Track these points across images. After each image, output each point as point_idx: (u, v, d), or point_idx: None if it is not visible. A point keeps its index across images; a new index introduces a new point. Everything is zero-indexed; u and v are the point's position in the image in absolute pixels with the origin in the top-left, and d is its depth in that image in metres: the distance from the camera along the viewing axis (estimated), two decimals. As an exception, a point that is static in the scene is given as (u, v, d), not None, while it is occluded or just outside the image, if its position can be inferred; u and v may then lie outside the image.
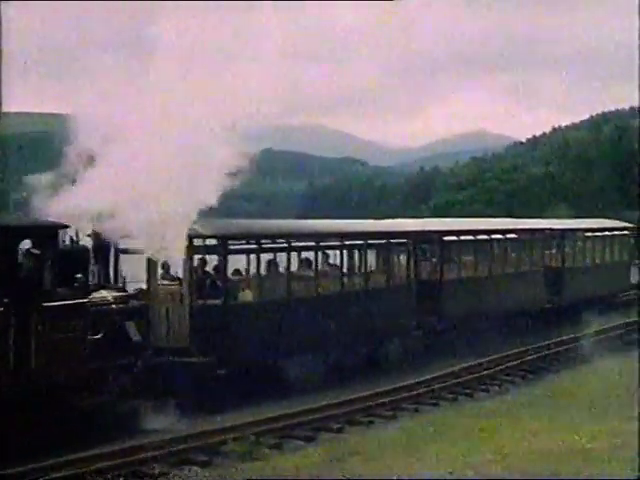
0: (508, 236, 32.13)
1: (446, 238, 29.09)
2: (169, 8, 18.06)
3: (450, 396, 21.85)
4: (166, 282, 20.81)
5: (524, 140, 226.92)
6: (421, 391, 21.70)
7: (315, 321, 22.92)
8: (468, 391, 22.55)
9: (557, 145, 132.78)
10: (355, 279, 25.53)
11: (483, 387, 23.22)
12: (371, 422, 18.87)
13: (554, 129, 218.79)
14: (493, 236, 31.16)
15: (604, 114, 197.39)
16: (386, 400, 20.46)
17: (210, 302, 20.36)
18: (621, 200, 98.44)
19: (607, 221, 44.27)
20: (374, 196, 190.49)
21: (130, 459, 14.90)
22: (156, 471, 14.72)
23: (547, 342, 29.02)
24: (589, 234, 38.04)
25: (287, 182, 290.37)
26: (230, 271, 21.71)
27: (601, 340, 29.75)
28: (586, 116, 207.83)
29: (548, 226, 35.65)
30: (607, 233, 39.61)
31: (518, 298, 32.00)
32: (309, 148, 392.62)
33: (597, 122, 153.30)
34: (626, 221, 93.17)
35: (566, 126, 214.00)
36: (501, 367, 25.24)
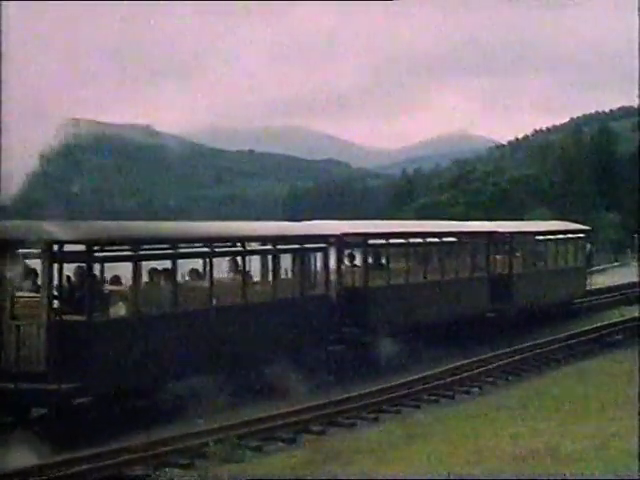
0: (447, 240, 29.14)
1: (372, 241, 25.95)
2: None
3: (348, 422, 18.46)
4: (27, 294, 17.46)
5: (505, 142, 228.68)
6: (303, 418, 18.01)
7: (206, 338, 19.67)
8: (370, 415, 19.12)
9: (538, 147, 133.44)
10: (262, 288, 22.05)
11: (384, 410, 19.30)
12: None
13: (535, 131, 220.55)
14: (429, 240, 28.35)
15: (585, 117, 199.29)
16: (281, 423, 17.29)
17: (72, 318, 17.10)
18: (602, 202, 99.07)
19: (561, 223, 41.81)
20: (356, 198, 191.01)
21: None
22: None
23: (474, 359, 24.46)
24: (540, 237, 35.07)
25: (269, 184, 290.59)
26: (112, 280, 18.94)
27: (541, 354, 26.08)
28: (567, 119, 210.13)
29: (494, 229, 32.67)
30: (561, 236, 36.47)
31: (457, 307, 28.90)
32: (291, 150, 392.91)
33: (578, 124, 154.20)
34: (607, 223, 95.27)
35: (547, 128, 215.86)
36: (409, 390, 20.83)
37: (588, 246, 38.85)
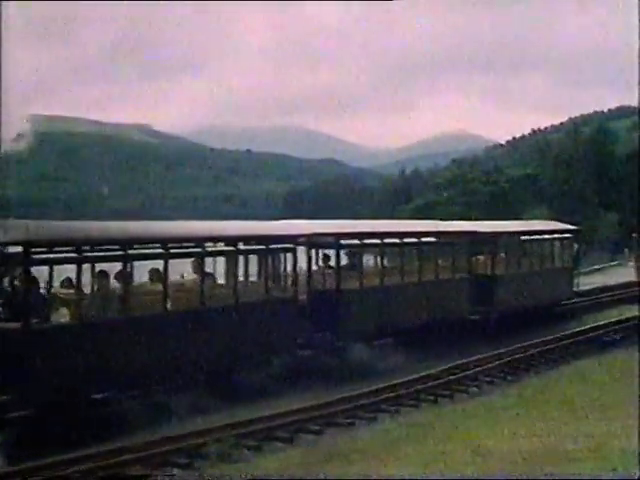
0: (425, 240, 27.88)
1: (345, 242, 24.79)
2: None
3: (346, 422, 18.09)
4: None
5: (504, 142, 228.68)
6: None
7: (160, 345, 18.46)
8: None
9: (537, 147, 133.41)
10: (224, 292, 20.75)
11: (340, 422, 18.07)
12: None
13: (534, 131, 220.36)
14: (406, 240, 27.04)
15: (583, 116, 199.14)
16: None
17: (6, 325, 15.96)
18: (600, 201, 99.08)
19: (547, 223, 40.69)
20: (354, 198, 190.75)
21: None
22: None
23: (450, 365, 23.13)
24: (525, 237, 33.70)
25: (267, 183, 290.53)
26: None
27: (523, 359, 25.05)
28: (565, 118, 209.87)
29: (476, 229, 31.29)
30: (547, 236, 35.20)
31: (437, 310, 27.78)
32: (289, 149, 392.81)
33: (576, 124, 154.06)
34: (606, 223, 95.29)
35: (545, 128, 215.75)
36: (380, 397, 19.64)
37: (575, 246, 37.44)
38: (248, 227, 24.07)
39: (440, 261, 28.88)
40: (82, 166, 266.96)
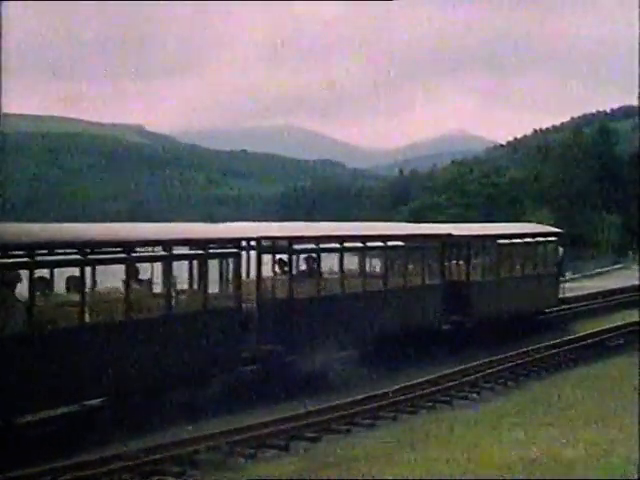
0: (392, 244, 26.18)
1: (299, 246, 23.25)
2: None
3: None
4: None
5: (504, 142, 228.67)
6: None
7: (77, 362, 16.90)
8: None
9: (538, 148, 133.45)
10: (154, 301, 19.17)
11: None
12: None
13: (535, 131, 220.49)
14: (370, 244, 25.35)
15: (586, 116, 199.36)
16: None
17: None
18: (603, 203, 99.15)
19: (529, 225, 39.64)
20: (351, 199, 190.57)
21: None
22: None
23: (406, 384, 21.50)
24: (503, 241, 31.77)
25: (262, 184, 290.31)
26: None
27: (495, 373, 23.62)
28: (567, 118, 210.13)
29: (449, 232, 29.37)
30: (528, 240, 33.47)
31: (405, 319, 26.15)
32: (285, 150, 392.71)
33: (578, 124, 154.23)
34: (609, 225, 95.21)
35: (547, 128, 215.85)
36: (327, 417, 18.59)
37: (561, 250, 35.74)
38: (186, 230, 22.08)
39: (410, 266, 27.34)
40: (70, 167, 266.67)
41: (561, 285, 35.24)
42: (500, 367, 24.07)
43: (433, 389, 21.39)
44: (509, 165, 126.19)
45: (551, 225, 61.65)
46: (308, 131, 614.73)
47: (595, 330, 30.79)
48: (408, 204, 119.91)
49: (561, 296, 35.54)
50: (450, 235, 29.07)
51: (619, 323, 32.35)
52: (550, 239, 35.27)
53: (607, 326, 31.62)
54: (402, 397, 20.38)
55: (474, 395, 21.74)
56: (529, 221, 57.62)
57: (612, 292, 43.44)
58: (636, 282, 43.60)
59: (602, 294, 42.88)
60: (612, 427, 17.03)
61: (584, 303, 39.78)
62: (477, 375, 23.10)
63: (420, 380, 21.76)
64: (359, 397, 20.03)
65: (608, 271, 63.25)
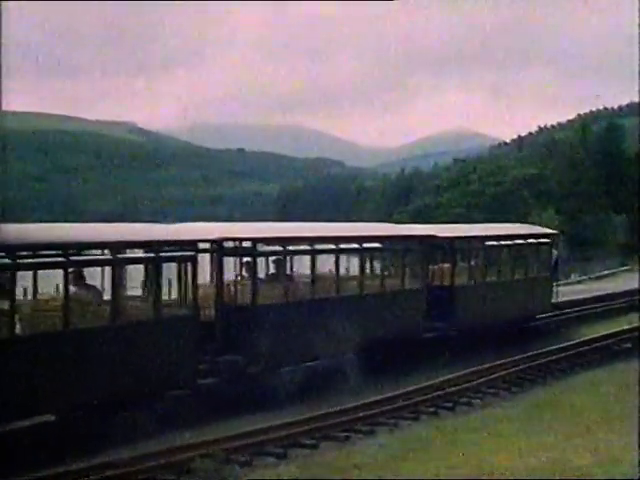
0: (368, 246, 25.00)
1: (264, 248, 22.06)
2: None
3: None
4: None
5: (509, 140, 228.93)
6: None
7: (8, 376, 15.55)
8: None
9: (543, 146, 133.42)
10: (96, 310, 17.98)
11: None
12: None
13: (540, 129, 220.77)
14: (343, 246, 23.96)
15: (592, 113, 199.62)
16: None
17: None
18: (610, 203, 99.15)
19: (521, 226, 38.04)
20: (351, 199, 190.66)
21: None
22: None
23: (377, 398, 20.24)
24: (491, 243, 30.59)
25: (260, 183, 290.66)
26: None
27: (477, 385, 22.40)
28: (574, 115, 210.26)
29: (432, 233, 28.15)
30: (519, 242, 32.12)
31: (380, 326, 24.73)
32: (284, 148, 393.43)
33: (585, 121, 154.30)
34: (616, 225, 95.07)
35: (552, 126, 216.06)
36: (291, 432, 17.58)
37: (555, 253, 34.56)
38: (137, 231, 20.45)
39: (390, 270, 26.38)
40: (62, 165, 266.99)
41: (555, 289, 33.99)
42: (481, 380, 22.69)
43: (406, 403, 20.28)
44: (513, 164, 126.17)
45: (557, 225, 61.31)
46: (307, 129, 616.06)
47: (590, 337, 29.66)
48: (408, 204, 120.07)
49: (556, 300, 34.29)
50: (433, 236, 27.93)
51: (617, 329, 30.99)
52: (543, 241, 34.13)
53: (603, 332, 30.44)
54: (378, 410, 19.48)
55: (446, 412, 20.37)
56: (532, 223, 57.21)
57: (612, 296, 42.08)
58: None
59: (602, 298, 41.47)
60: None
61: (580, 308, 38.25)
62: (457, 388, 21.81)
63: (396, 393, 20.64)
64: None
65: (615, 273, 63.18)
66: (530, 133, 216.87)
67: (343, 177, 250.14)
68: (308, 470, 15.48)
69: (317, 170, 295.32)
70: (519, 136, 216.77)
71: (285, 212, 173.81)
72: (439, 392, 21.45)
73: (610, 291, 43.95)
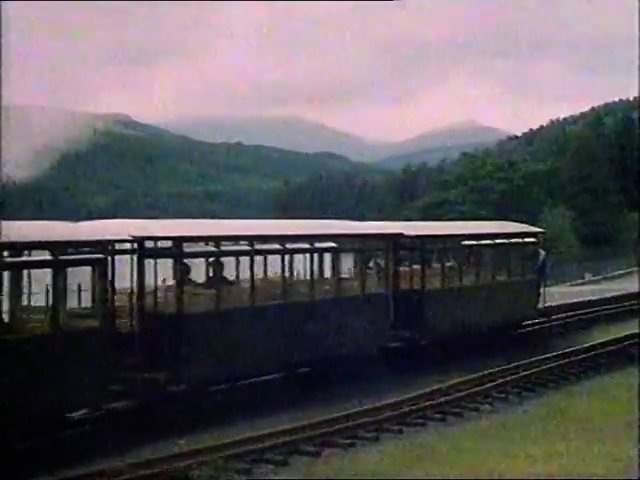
0: (321, 245, 23.02)
1: (192, 249, 20.09)
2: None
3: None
4: None
5: (519, 134, 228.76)
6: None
7: None
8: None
9: (555, 140, 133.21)
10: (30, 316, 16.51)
11: None
12: None
13: (552, 122, 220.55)
14: (290, 246, 21.94)
15: (606, 105, 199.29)
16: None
17: None
18: (624, 200, 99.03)
19: (502, 224, 35.86)
20: (355, 195, 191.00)
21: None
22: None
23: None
24: (468, 242, 29.09)
25: (259, 179, 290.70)
26: None
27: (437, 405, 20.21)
28: (587, 108, 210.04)
29: (399, 231, 26.32)
30: (501, 241, 30.25)
31: (335, 336, 22.74)
32: (284, 142, 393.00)
33: (599, 114, 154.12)
34: (630, 223, 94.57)
35: (565, 118, 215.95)
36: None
37: (542, 253, 32.75)
38: (37, 230, 17.56)
39: (350, 272, 24.62)
40: (53, 160, 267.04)
41: (541, 294, 31.88)
42: (446, 398, 20.76)
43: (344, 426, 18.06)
44: (524, 158, 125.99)
45: (570, 223, 60.60)
46: (308, 122, 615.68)
47: (576, 348, 27.44)
48: (415, 201, 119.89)
49: (543, 306, 32.07)
50: (401, 235, 26.01)
51: (610, 337, 29.10)
52: (528, 240, 32.23)
53: (593, 342, 28.39)
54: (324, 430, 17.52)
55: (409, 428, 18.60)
56: (542, 220, 56.80)
57: (608, 300, 40.38)
58: None
59: (597, 303, 39.61)
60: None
61: (570, 314, 36.35)
62: (420, 405, 20.01)
63: (350, 412, 18.75)
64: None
65: (630, 272, 63.15)
66: (541, 126, 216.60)
67: (347, 172, 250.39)
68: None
69: (321, 165, 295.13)
70: (530, 130, 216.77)
71: (286, 209, 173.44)
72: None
73: (625, 292, 42.60)
